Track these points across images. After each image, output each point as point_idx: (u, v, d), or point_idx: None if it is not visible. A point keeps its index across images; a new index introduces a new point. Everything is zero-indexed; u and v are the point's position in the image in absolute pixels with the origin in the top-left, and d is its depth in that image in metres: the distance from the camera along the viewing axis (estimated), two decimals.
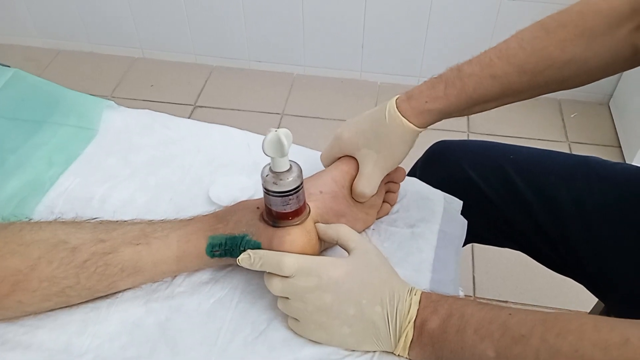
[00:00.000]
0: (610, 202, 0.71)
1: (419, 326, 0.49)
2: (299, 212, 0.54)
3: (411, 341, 0.49)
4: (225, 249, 0.55)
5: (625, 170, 0.74)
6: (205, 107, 1.81)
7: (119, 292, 0.56)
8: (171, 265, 0.55)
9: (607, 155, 1.60)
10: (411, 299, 0.50)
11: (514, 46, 0.57)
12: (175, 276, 0.58)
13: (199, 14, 1.83)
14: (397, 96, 0.60)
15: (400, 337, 0.49)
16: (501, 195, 0.77)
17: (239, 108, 1.80)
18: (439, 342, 0.48)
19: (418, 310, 0.49)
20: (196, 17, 1.84)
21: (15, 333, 0.52)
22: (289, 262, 0.50)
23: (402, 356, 0.50)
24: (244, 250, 0.54)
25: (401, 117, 0.58)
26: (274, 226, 0.53)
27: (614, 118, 1.74)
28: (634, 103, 1.61)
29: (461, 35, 1.72)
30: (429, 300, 0.50)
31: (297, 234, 0.53)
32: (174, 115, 0.80)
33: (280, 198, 0.51)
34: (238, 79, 1.91)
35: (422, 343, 0.49)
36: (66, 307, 0.54)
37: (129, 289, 0.56)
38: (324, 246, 0.59)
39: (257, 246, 0.53)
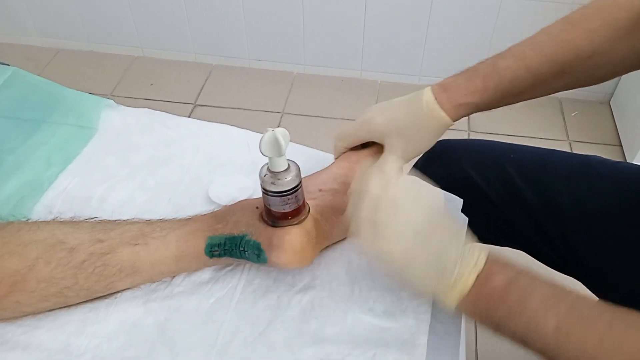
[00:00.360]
0: (611, 201, 0.71)
1: (483, 278, 0.47)
2: (298, 212, 0.53)
3: (469, 291, 0.47)
4: (225, 249, 0.54)
5: (626, 169, 0.74)
6: (205, 105, 1.80)
7: (118, 292, 0.56)
8: (170, 266, 0.55)
9: (608, 154, 1.60)
10: (481, 250, 0.48)
11: (543, 39, 0.59)
12: (175, 276, 0.58)
13: (199, 13, 1.82)
14: (431, 86, 0.60)
15: (458, 282, 0.47)
16: (501, 195, 0.76)
17: (239, 107, 1.80)
18: (498, 301, 0.46)
19: (486, 262, 0.47)
20: (196, 16, 1.83)
21: (14, 333, 0.52)
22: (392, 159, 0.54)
23: (450, 305, 0.48)
24: (244, 250, 0.54)
25: (439, 109, 0.58)
26: (273, 226, 0.53)
27: (614, 117, 1.74)
28: (635, 102, 1.61)
29: (461, 35, 1.72)
30: (496, 258, 0.48)
31: (296, 234, 0.53)
32: (174, 114, 0.80)
33: (278, 198, 0.51)
34: (238, 78, 1.90)
35: (479, 297, 0.47)
36: (65, 307, 0.54)
37: (128, 289, 0.56)
38: (329, 241, 0.59)
39: (256, 246, 0.53)
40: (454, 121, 0.60)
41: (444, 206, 0.53)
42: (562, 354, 0.43)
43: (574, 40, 0.58)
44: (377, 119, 0.60)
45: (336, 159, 0.65)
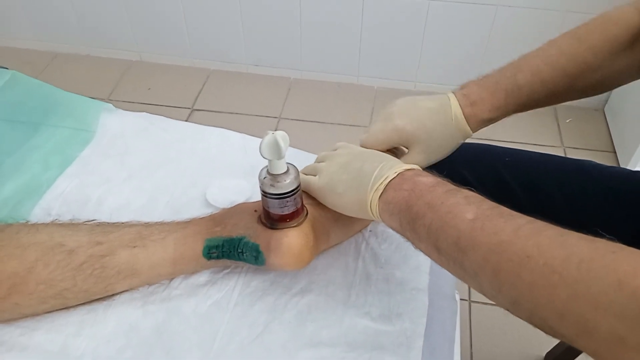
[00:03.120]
0: (604, 204, 0.71)
1: (408, 175, 0.48)
2: (297, 214, 0.54)
3: (389, 182, 0.48)
4: (223, 251, 0.55)
5: (619, 174, 0.75)
6: (203, 110, 1.81)
7: (116, 294, 0.56)
8: (168, 268, 0.55)
9: (602, 160, 1.61)
10: (405, 164, 0.51)
11: (555, 53, 0.62)
12: (172, 278, 0.58)
13: (197, 18, 1.83)
14: (456, 95, 0.61)
15: (377, 182, 0.49)
16: (496, 198, 0.77)
17: (236, 111, 1.80)
18: (420, 194, 0.46)
19: (412, 169, 0.49)
20: (194, 21, 1.84)
21: (12, 334, 0.52)
22: (339, 144, 0.61)
23: (374, 205, 0.49)
24: (242, 253, 0.54)
25: (466, 124, 0.61)
26: (271, 228, 0.54)
27: (608, 123, 1.75)
28: (629, 109, 1.62)
29: (457, 42, 1.73)
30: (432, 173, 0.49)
31: (294, 236, 0.53)
32: (171, 119, 0.80)
33: (277, 200, 0.51)
34: (235, 83, 1.91)
35: (399, 188, 0.48)
36: (63, 309, 0.54)
37: (126, 291, 0.56)
38: (327, 244, 0.60)
39: (255, 248, 0.54)
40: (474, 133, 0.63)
41: (372, 151, 0.58)
42: (476, 241, 0.41)
43: (582, 55, 0.61)
44: (407, 127, 0.61)
45: None
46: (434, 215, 0.44)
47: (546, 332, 0.38)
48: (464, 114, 0.61)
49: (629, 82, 0.66)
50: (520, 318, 0.39)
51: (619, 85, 0.67)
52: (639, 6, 0.61)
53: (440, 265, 0.45)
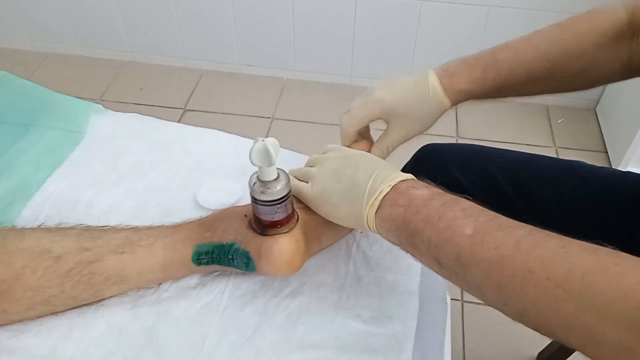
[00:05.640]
0: (594, 205, 0.72)
1: (403, 188, 0.48)
2: (287, 220, 0.54)
3: (383, 197, 0.48)
4: (213, 257, 0.54)
5: (609, 174, 0.75)
6: (195, 111, 1.80)
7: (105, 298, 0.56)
8: (157, 274, 0.55)
9: (593, 160, 1.62)
10: (401, 174, 0.50)
11: (538, 37, 0.63)
12: (161, 283, 0.58)
13: (190, 18, 1.82)
14: (436, 70, 0.62)
15: (372, 197, 0.48)
16: (488, 198, 0.77)
17: (229, 112, 1.80)
18: (417, 209, 0.45)
19: (405, 180, 0.49)
20: (186, 21, 1.83)
21: (0, 338, 0.52)
22: (330, 146, 0.61)
23: (370, 220, 0.49)
24: (232, 259, 0.54)
25: (443, 94, 0.61)
26: (262, 234, 0.53)
27: (600, 124, 1.76)
28: (620, 109, 1.63)
29: (450, 41, 1.73)
30: (425, 183, 0.49)
31: (285, 242, 0.53)
32: (164, 119, 0.80)
33: (268, 207, 0.51)
34: (228, 83, 1.91)
35: (395, 204, 0.47)
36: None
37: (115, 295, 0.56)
38: (318, 248, 0.60)
39: (246, 255, 0.53)
40: (453, 105, 0.63)
41: (363, 154, 0.57)
42: (477, 257, 0.40)
43: (565, 41, 0.62)
44: (386, 99, 0.62)
45: (349, 145, 0.65)
46: (432, 231, 0.44)
47: (555, 340, 0.38)
48: (442, 84, 0.61)
49: (610, 82, 0.65)
50: (529, 328, 0.39)
51: (600, 84, 0.67)
52: (629, 6, 0.62)
53: (443, 277, 0.45)
